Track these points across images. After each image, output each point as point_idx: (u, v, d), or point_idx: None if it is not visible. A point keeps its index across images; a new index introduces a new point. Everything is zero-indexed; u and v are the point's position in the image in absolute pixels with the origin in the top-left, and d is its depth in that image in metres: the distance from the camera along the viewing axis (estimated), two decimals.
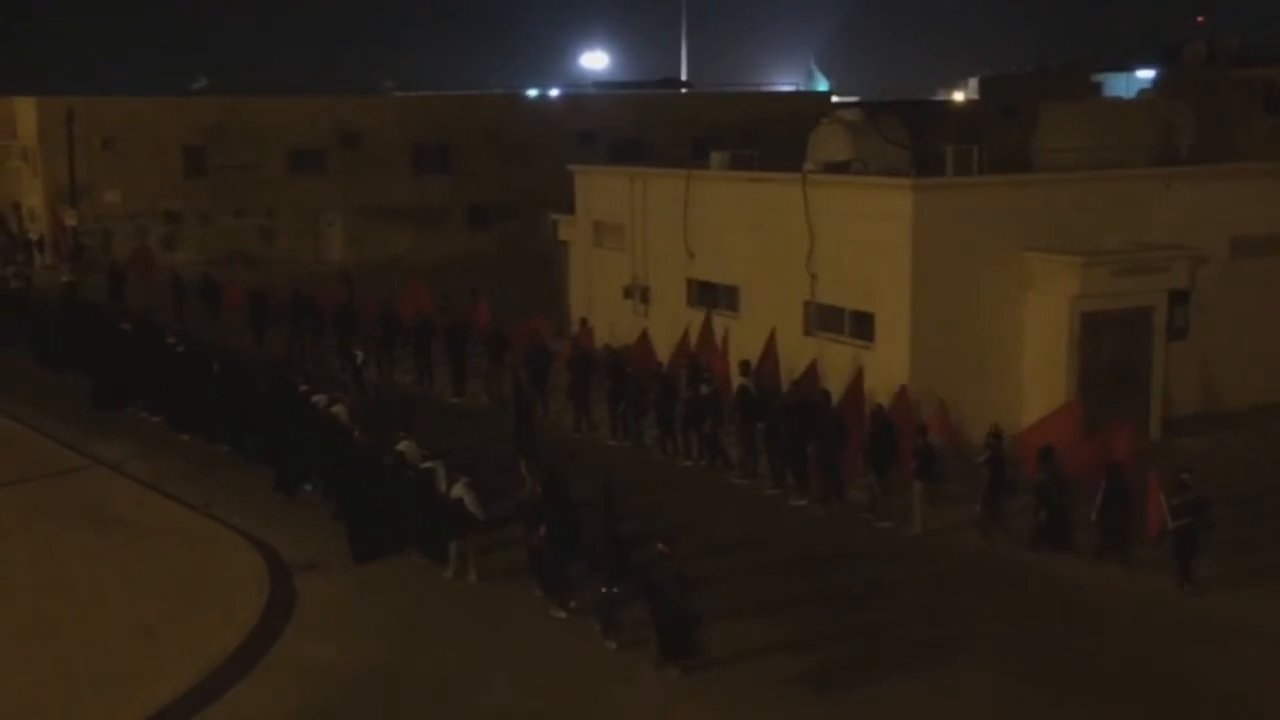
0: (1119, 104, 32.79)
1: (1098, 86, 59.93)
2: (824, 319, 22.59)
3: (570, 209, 30.39)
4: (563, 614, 14.47)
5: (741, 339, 23.10)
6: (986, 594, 15.17)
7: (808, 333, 22.71)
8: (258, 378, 21.85)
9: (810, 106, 47.66)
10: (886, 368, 20.75)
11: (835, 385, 20.50)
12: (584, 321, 26.00)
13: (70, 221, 43.70)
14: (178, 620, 14.09)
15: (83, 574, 15.59)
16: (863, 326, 21.69)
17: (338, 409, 19.20)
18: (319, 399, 19.67)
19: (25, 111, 46.82)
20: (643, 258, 27.31)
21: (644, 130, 49.02)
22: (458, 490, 15.33)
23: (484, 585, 15.35)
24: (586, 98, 57.68)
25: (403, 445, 17.05)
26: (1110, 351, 21.09)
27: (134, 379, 24.58)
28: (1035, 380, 21.16)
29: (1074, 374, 20.83)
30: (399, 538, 16.35)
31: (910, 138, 25.32)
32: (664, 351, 23.62)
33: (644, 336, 24.31)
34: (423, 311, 27.10)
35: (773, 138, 36.82)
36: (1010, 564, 16.14)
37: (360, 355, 25.36)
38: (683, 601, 13.09)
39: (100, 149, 44.78)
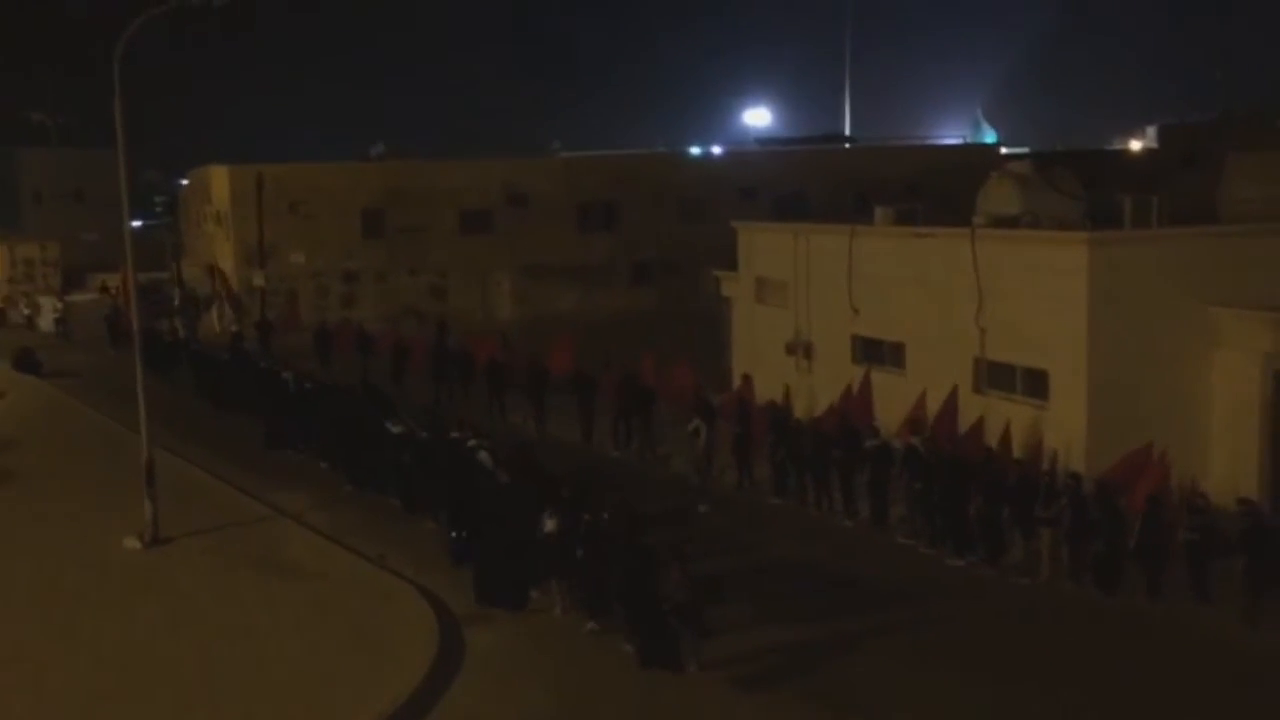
0: None
1: None
2: (994, 376, 21.99)
3: (733, 265, 30.48)
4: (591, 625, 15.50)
5: (907, 396, 22.66)
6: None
7: (977, 390, 22.14)
8: (418, 427, 22.41)
9: (977, 159, 46.78)
10: (1062, 426, 20.04)
11: (1008, 443, 19.91)
12: (747, 378, 25.91)
13: (258, 282, 46.24)
14: (351, 669, 14.50)
15: (265, 621, 16.22)
16: (1036, 384, 21.02)
17: (483, 455, 19.55)
18: (472, 444, 20.06)
19: (219, 179, 49.80)
20: (806, 314, 27.14)
21: (807, 185, 48.93)
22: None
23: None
24: (749, 154, 57.98)
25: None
26: None
27: (299, 425, 25.87)
28: (1223, 442, 20.09)
29: (1267, 435, 19.70)
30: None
31: (1084, 189, 24.55)
32: (827, 407, 23.37)
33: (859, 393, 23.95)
34: (574, 365, 27.61)
35: (938, 191, 36.25)
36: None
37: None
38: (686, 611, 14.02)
39: (287, 213, 47.27)
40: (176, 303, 45.32)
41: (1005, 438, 19.96)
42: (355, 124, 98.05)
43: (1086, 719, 13.23)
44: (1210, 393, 20.30)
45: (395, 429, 21.98)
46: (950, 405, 21.68)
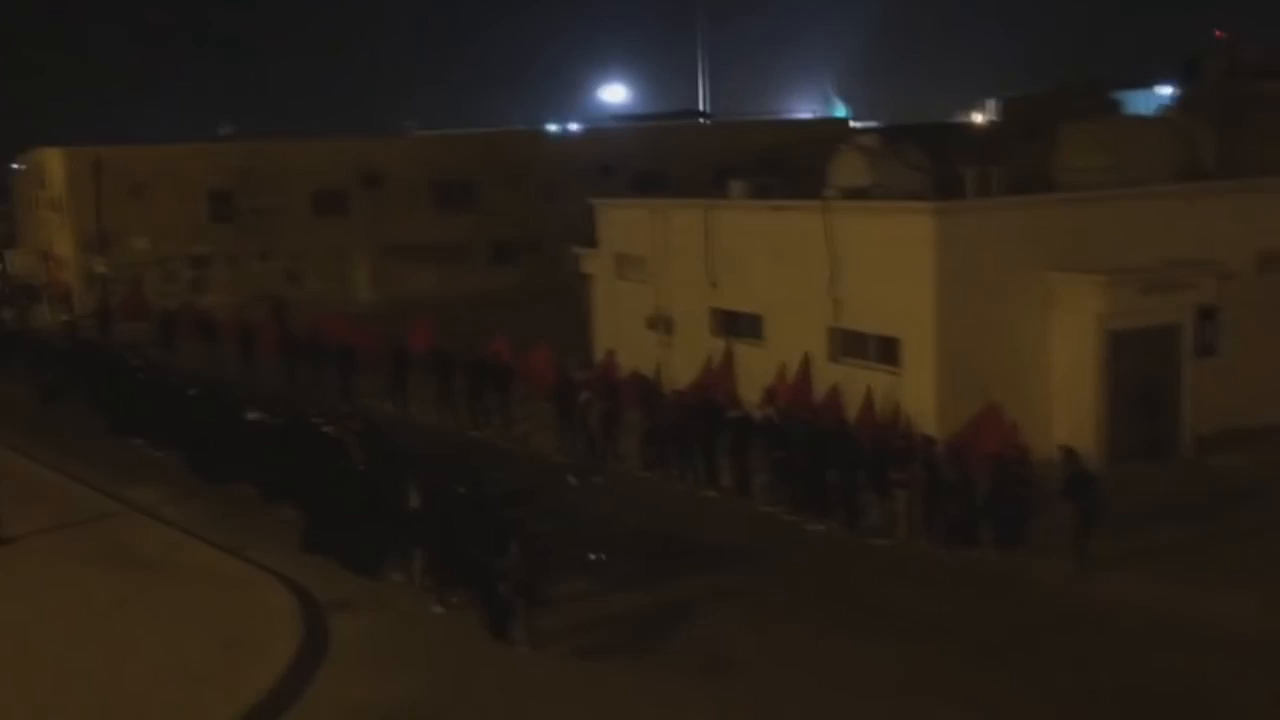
0: (1140, 121, 32.62)
1: (1117, 104, 59.64)
2: (849, 345, 22.57)
3: (592, 242, 30.55)
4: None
5: (766, 366, 23.10)
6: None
7: (833, 359, 22.69)
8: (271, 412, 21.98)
9: (829, 133, 47.69)
10: (914, 391, 20.70)
11: (862, 411, 20.48)
12: (611, 353, 26.05)
13: (100, 269, 44.40)
14: (212, 663, 14.14)
15: (119, 620, 15.68)
16: (888, 351, 21.66)
17: (342, 437, 19.27)
18: (329, 428, 19.74)
19: (54, 163, 47.59)
20: (666, 289, 27.38)
21: (664, 162, 49.26)
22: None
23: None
24: (606, 131, 58.04)
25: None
26: (1138, 370, 20.96)
27: (143, 413, 25.18)
28: (1063, 401, 21.04)
29: (1102, 393, 20.71)
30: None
31: (930, 161, 25.33)
32: (689, 380, 23.66)
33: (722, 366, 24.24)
34: (432, 346, 27.60)
35: (793, 166, 36.90)
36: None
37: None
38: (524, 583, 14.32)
39: (129, 196, 45.43)
40: (7, 292, 43.39)
41: (868, 405, 20.46)
42: (201, 105, 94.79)
43: (936, 670, 13.70)
44: (1050, 354, 21.21)
45: (251, 415, 21.45)
46: (804, 374, 22.15)
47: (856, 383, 21.68)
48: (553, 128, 59.54)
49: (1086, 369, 20.80)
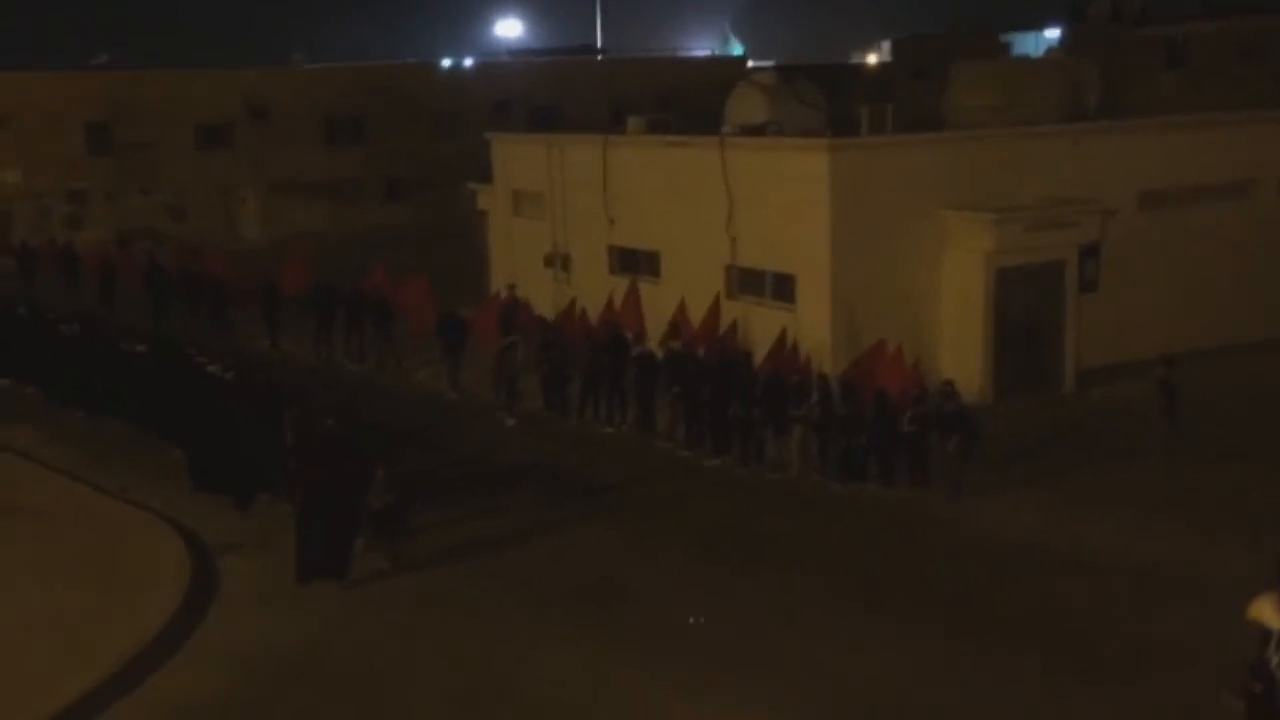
0: (1027, 62, 33.23)
1: (1006, 46, 60.74)
2: (746, 282, 22.67)
3: (488, 179, 30.08)
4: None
5: (663, 303, 23.09)
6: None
7: (730, 296, 22.79)
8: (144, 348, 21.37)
9: (726, 72, 47.65)
10: (809, 328, 20.91)
11: (760, 348, 20.62)
12: (512, 288, 25.62)
13: None
14: (95, 610, 13.75)
15: None
16: (785, 288, 21.82)
17: (222, 374, 18.85)
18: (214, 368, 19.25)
19: None
20: (563, 226, 27.14)
21: (560, 98, 48.68)
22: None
23: (419, 567, 15.21)
24: (501, 66, 57.08)
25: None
26: (1024, 306, 21.49)
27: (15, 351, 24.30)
28: (952, 336, 21.48)
29: (990, 329, 21.19)
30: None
31: (826, 100, 25.44)
32: (590, 318, 23.55)
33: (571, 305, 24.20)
34: (310, 281, 27.33)
35: (689, 103, 36.80)
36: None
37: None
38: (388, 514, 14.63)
39: None
40: None
41: (779, 343, 20.52)
42: (72, 32, 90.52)
43: (824, 599, 13.91)
44: (941, 291, 21.59)
45: (136, 349, 20.73)
46: (712, 312, 22.19)
47: (752, 320, 21.83)
48: (447, 62, 58.33)
49: (975, 305, 21.23)
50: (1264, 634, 9.55)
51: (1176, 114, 27.99)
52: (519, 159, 29.05)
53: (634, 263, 25.22)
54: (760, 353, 20.17)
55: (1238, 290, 23.95)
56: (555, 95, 48.93)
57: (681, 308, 22.36)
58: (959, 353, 21.22)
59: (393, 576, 14.78)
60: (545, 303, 25.59)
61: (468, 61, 59.00)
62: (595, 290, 24.93)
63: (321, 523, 14.58)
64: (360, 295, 25.86)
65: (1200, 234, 23.60)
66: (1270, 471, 17.29)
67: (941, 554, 15.23)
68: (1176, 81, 44.39)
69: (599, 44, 69.93)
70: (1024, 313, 21.45)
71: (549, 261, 27.26)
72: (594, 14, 73.01)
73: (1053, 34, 57.12)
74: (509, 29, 76.01)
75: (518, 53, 65.58)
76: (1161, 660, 12.09)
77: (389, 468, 15.00)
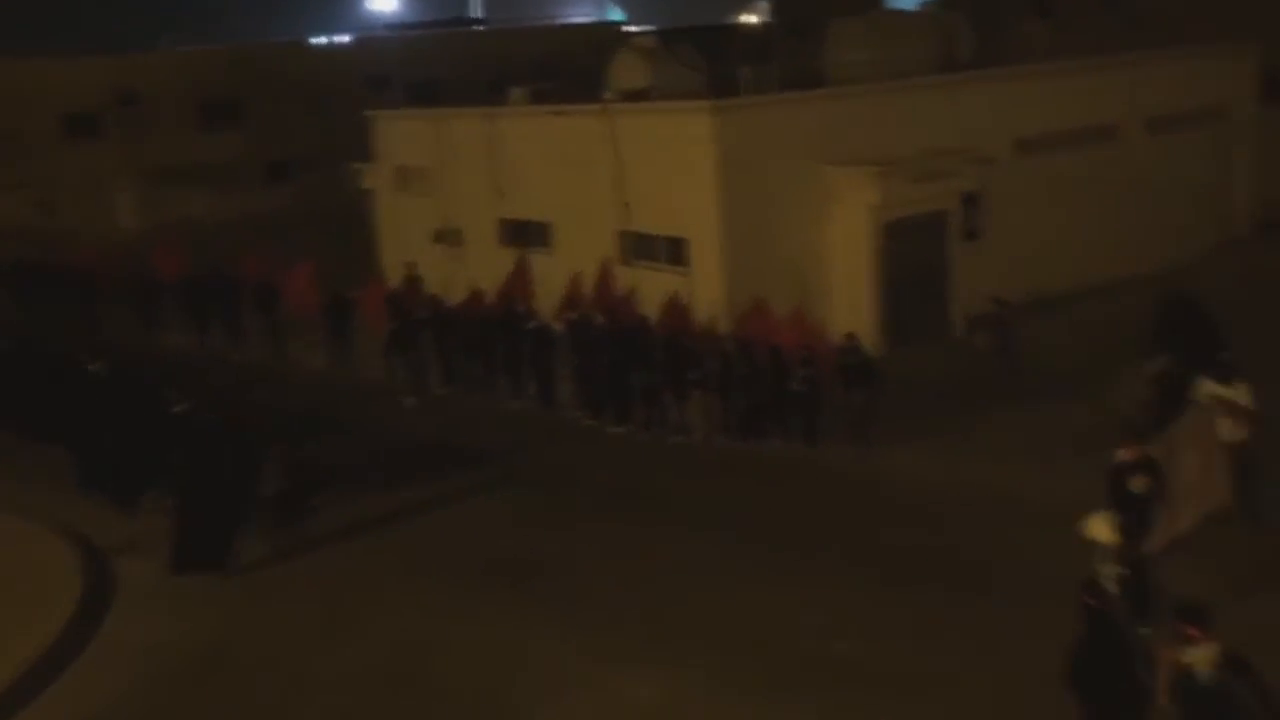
0: (901, 16, 33.78)
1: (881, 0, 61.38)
2: (639, 248, 22.74)
3: (371, 156, 29.60)
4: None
5: (557, 274, 23.05)
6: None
7: (624, 262, 22.84)
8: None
9: (606, 37, 47.43)
10: (704, 290, 21.09)
11: (657, 313, 20.73)
12: (412, 266, 25.28)
13: None
14: None
15: None
16: (677, 252, 21.95)
17: (96, 369, 18.37)
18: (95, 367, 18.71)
19: None
20: (451, 201, 26.86)
21: (440, 71, 47.97)
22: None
23: (322, 550, 15.04)
24: (379, 41, 55.99)
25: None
26: (911, 256, 21.95)
27: None
28: (842, 290, 21.85)
29: (878, 281, 21.62)
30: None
31: (706, 61, 25.54)
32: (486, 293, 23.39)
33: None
34: (183, 270, 26.91)
35: (572, 71, 36.55)
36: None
37: None
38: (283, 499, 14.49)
39: None
40: None
41: (670, 307, 20.64)
42: None
43: (733, 556, 14.10)
44: (830, 246, 21.94)
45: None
46: (605, 279, 22.23)
47: (649, 285, 21.93)
48: (320, 40, 57.04)
49: (863, 258, 21.62)
50: (1101, 550, 10.10)
51: (1045, 62, 28.72)
52: (402, 136, 28.64)
53: (525, 234, 25.11)
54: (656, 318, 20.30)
55: (1110, 230, 24.79)
56: (436, 68, 48.19)
57: (576, 278, 22.34)
58: (850, 305, 21.60)
59: (294, 561, 14.59)
60: (438, 280, 25.33)
61: (343, 38, 57.76)
62: (488, 265, 24.77)
63: (201, 513, 14.30)
64: (240, 281, 25.35)
65: (1073, 178, 24.34)
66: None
67: (847, 505, 15.55)
68: (1046, 30, 45.45)
69: (478, 14, 69.07)
70: (910, 263, 21.91)
71: (439, 238, 26.98)
72: None
73: None
74: (383, 3, 74.52)
75: (394, 27, 64.38)
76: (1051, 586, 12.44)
77: (282, 453, 14.80)
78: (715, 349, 18.51)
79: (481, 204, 25.88)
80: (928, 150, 22.27)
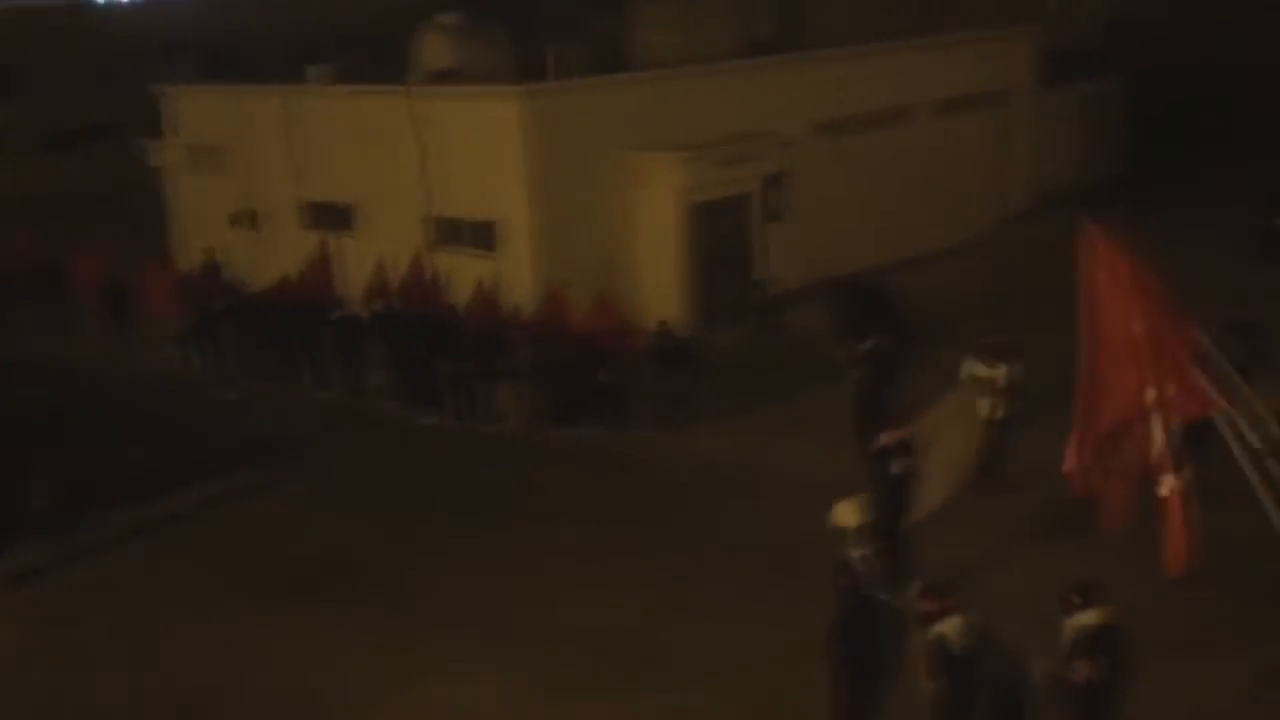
0: None
1: None
2: (445, 232, 22.44)
3: (162, 132, 28.19)
4: None
5: (361, 259, 22.52)
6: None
7: (430, 248, 22.48)
8: None
9: (408, 8, 46.26)
10: (512, 276, 20.98)
11: (464, 299, 20.54)
12: (210, 252, 24.22)
13: None
14: None
15: None
16: (485, 237, 21.75)
17: None
18: None
19: None
20: (250, 181, 25.86)
21: (239, 38, 45.92)
22: None
23: (113, 556, 14.39)
24: (169, 3, 53.12)
25: None
26: (717, 239, 22.35)
27: None
28: (651, 274, 22.09)
29: (685, 264, 21.96)
30: None
31: (512, 41, 25.24)
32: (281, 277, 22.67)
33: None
34: None
35: (371, 42, 35.54)
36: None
37: None
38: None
39: None
40: None
41: (477, 293, 20.40)
42: None
43: (543, 546, 14.13)
44: (638, 230, 22.13)
45: None
46: (414, 266, 21.82)
47: (457, 270, 21.67)
48: (102, 0, 53.77)
49: (671, 242, 21.91)
50: (851, 533, 10.76)
51: (845, 44, 29.49)
52: (195, 112, 27.37)
53: (328, 218, 24.42)
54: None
55: (906, 210, 25.79)
56: (232, 36, 46.09)
57: (381, 265, 21.85)
58: (658, 289, 21.87)
59: (81, 573, 13.96)
60: (238, 265, 24.41)
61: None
62: (291, 248, 23.98)
63: None
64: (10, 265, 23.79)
65: (871, 160, 25.18)
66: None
67: (662, 486, 15.76)
68: (845, 11, 46.44)
69: None
70: (717, 245, 22.31)
71: (236, 220, 25.96)
72: None
73: None
74: None
75: None
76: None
77: (52, 461, 14.07)
78: (525, 336, 18.47)
79: (282, 186, 25.00)
80: (732, 134, 22.66)
